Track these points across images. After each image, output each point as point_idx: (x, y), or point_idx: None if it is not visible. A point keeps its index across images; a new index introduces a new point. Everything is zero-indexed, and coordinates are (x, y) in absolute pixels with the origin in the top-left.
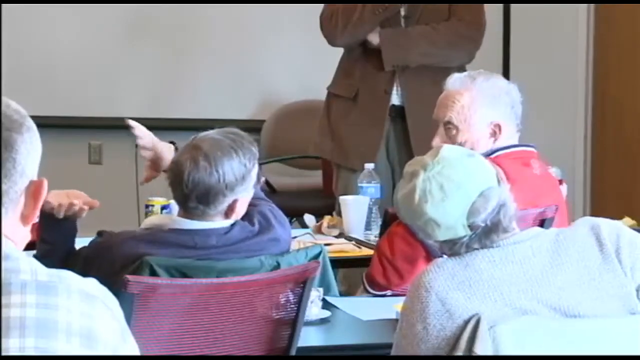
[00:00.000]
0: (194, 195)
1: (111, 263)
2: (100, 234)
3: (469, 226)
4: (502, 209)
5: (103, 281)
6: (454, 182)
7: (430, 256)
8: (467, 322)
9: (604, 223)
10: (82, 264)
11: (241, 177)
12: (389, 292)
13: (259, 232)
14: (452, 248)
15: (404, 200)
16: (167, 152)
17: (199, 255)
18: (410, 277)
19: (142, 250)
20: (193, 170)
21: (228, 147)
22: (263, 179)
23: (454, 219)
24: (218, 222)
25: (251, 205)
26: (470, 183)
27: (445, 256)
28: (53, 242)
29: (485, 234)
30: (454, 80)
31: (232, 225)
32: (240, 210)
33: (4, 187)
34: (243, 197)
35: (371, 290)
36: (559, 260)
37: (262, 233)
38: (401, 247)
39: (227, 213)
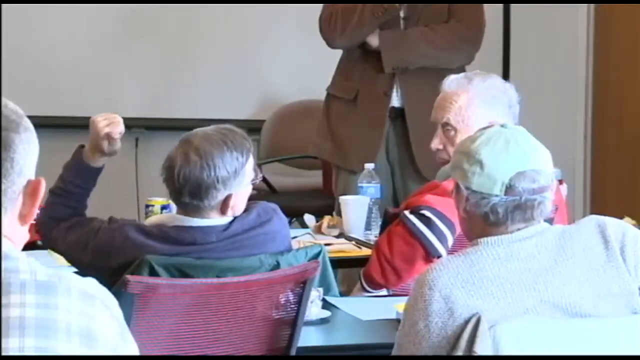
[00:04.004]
0: (186, 190)
1: (111, 240)
2: (110, 220)
3: (507, 187)
4: (540, 198)
5: (100, 264)
6: (520, 147)
7: (429, 256)
8: (467, 321)
9: (610, 221)
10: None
11: (234, 171)
12: (384, 292)
13: (257, 224)
14: (478, 203)
15: (462, 144)
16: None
17: (198, 251)
18: (409, 276)
19: (142, 239)
20: (184, 165)
21: (219, 141)
22: (260, 175)
23: (500, 173)
24: (216, 220)
25: (254, 203)
26: (534, 156)
27: (447, 255)
28: (87, 187)
29: (514, 207)
30: (451, 82)
31: (231, 222)
32: (237, 206)
33: (2, 186)
34: (238, 192)
35: (368, 288)
36: (563, 257)
37: (261, 226)
38: (400, 247)
39: (223, 209)
